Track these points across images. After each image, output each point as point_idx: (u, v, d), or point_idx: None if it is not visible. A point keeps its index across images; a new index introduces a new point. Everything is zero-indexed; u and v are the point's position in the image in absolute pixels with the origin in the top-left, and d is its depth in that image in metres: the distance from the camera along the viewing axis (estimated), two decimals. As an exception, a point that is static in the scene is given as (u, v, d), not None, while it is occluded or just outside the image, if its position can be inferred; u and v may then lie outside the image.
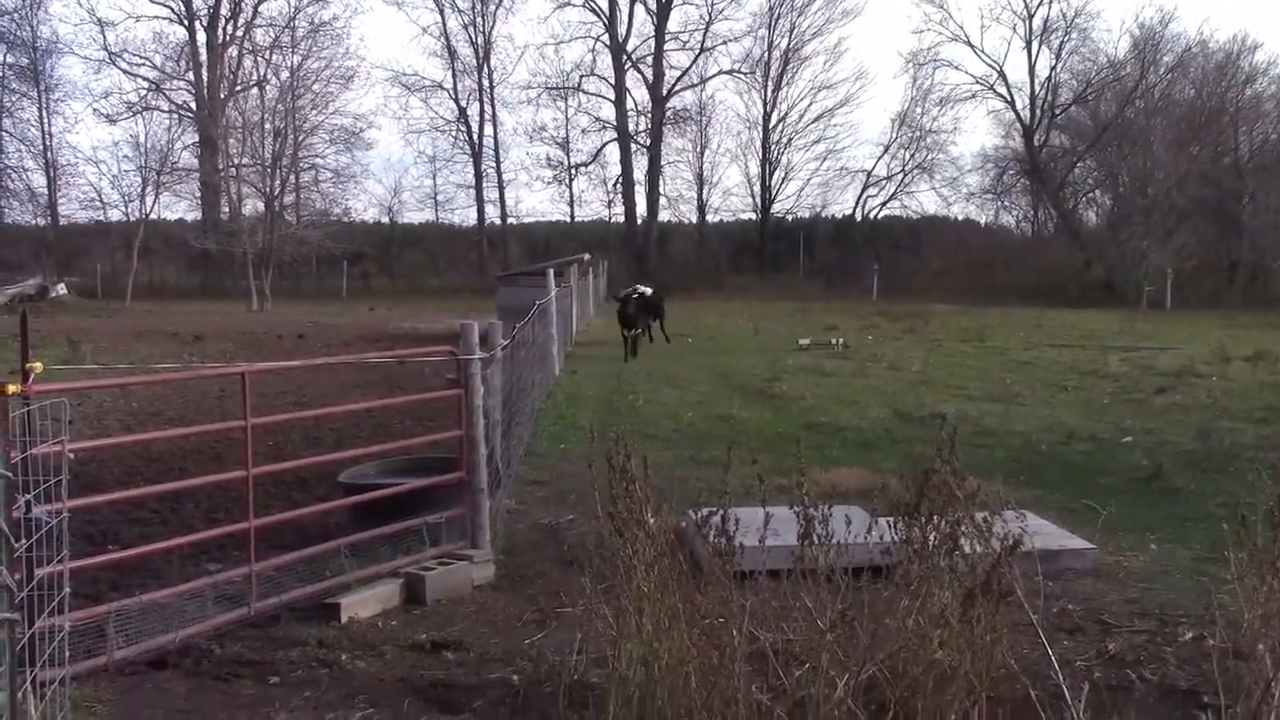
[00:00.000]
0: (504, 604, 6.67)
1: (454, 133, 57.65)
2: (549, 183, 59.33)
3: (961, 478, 5.18)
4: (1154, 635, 6.04)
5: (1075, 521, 8.53)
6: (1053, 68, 52.60)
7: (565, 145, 57.53)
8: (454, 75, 56.91)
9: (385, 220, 58.94)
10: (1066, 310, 34.74)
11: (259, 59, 53.37)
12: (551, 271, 20.10)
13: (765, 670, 4.59)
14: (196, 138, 50.92)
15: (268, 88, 52.05)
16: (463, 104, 57.07)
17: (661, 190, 56.58)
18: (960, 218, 58.55)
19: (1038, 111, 52.34)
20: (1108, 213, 51.21)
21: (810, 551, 4.60)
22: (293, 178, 50.90)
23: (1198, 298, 37.71)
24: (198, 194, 51.65)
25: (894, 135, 56.01)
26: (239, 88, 53.06)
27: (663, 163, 56.27)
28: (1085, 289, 40.96)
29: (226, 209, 49.95)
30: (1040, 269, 45.85)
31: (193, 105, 52.38)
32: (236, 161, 49.29)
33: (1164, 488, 9.85)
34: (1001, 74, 52.78)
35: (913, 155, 55.73)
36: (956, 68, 54.30)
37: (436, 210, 59.97)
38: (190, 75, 53.22)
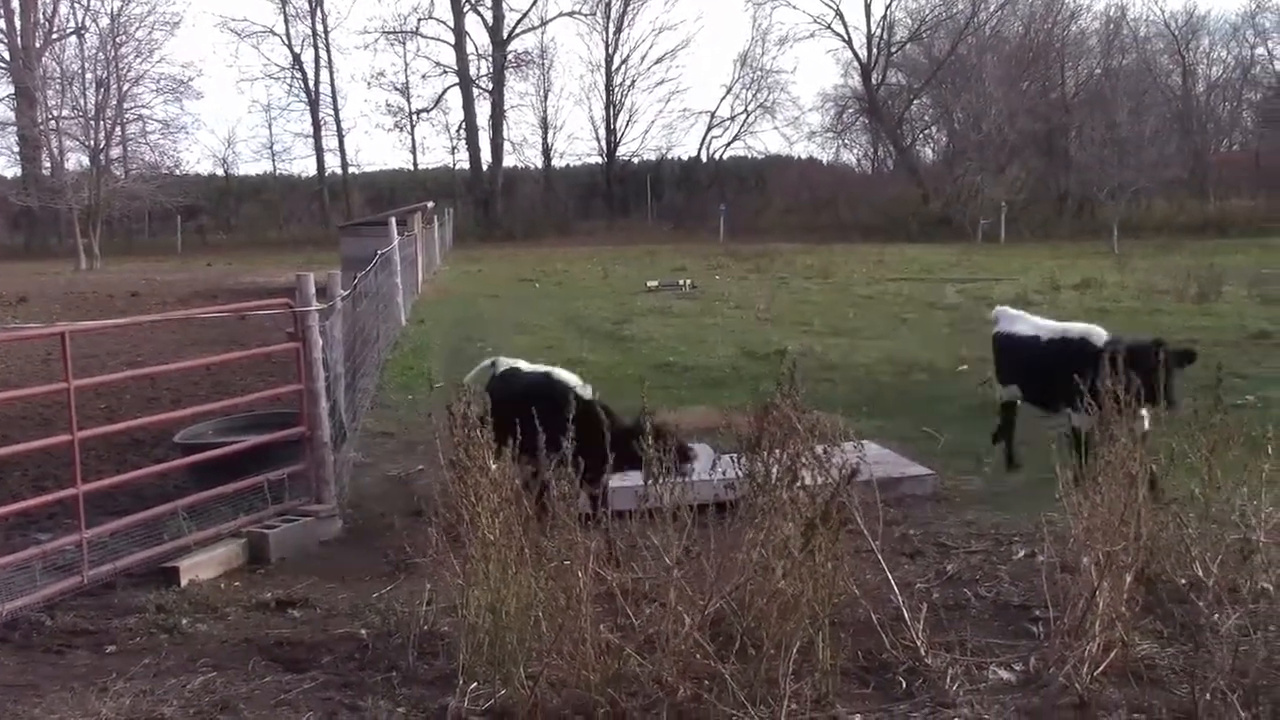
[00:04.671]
0: (351, 558, 6.57)
1: (289, 80, 56.05)
2: (390, 130, 58.25)
3: (802, 411, 5.27)
4: (989, 555, 6.27)
5: (915, 449, 8.80)
6: (888, 6, 53.66)
7: (405, 91, 56.45)
8: (286, 20, 55.23)
9: (220, 172, 57.10)
10: (906, 245, 35.58)
11: (76, 5, 50.62)
12: (394, 220, 19.71)
13: (615, 610, 4.61)
14: (11, 89, 48.25)
15: (87, 35, 49.46)
16: (296, 50, 55.44)
17: (506, 135, 55.92)
18: (803, 157, 59.46)
19: (874, 50, 53.20)
20: (944, 148, 52.48)
21: (655, 491, 4.62)
22: (119, 130, 48.79)
23: (1029, 229, 38.96)
24: (15, 149, 49.05)
25: (736, 76, 56.43)
26: (55, 35, 50.33)
27: (506, 107, 55.57)
28: (924, 223, 41.94)
29: (48, 164, 47.51)
30: (881, 205, 46.75)
31: (5, 55, 49.59)
32: (56, 114, 46.94)
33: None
34: (839, 13, 53.53)
35: (755, 95, 56.25)
36: (795, 7, 54.94)
37: (274, 161, 58.40)
38: (1, 23, 50.29)
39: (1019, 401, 8.32)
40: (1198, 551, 5.01)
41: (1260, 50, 49.66)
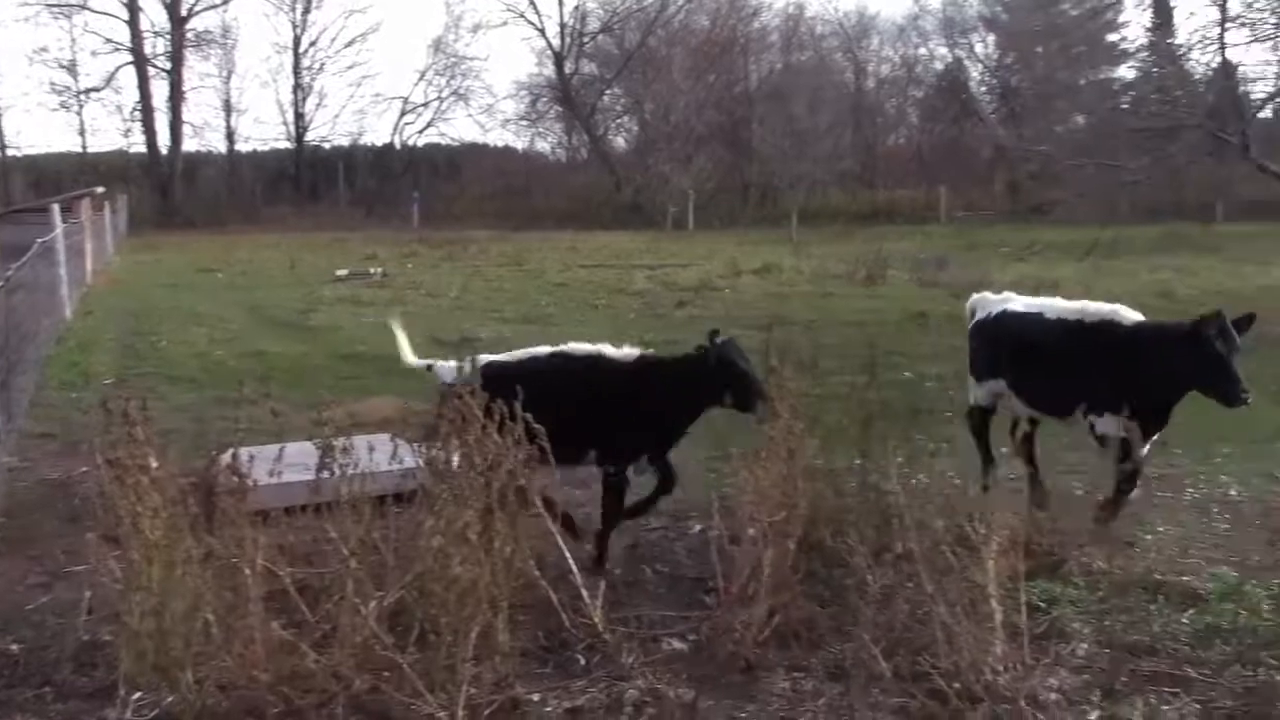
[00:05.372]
0: (3, 569, 6.10)
1: (-65, 53, 51.20)
2: (55, 110, 54.06)
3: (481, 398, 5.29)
4: (667, 531, 6.50)
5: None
6: (580, -3, 54.13)
7: (72, 69, 52.50)
8: (-70, -12, 50.35)
9: None
10: (600, 232, 36.18)
11: None
12: (58, 207, 18.37)
13: (290, 607, 4.50)
14: None
15: None
16: (-56, 21, 50.68)
17: (185, 118, 53.07)
18: (498, 144, 59.40)
19: (567, 40, 53.73)
20: (635, 138, 53.66)
21: (329, 483, 4.54)
22: None
23: (716, 217, 40.41)
24: None
25: (429, 62, 55.73)
26: None
27: (186, 88, 52.69)
28: (616, 211, 42.79)
29: None
30: (574, 193, 47.36)
31: None
32: None
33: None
34: (532, 1, 53.74)
35: (449, 82, 55.72)
36: (489, -6, 54.64)
37: (-81, 141, 53.14)
38: None
39: (996, 404, 6.76)
40: (853, 518, 5.36)
41: (923, 50, 53.34)
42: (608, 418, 5.69)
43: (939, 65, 51.81)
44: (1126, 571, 5.36)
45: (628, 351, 5.99)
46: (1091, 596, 5.14)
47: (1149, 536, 5.99)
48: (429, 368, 6.57)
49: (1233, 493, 7.14)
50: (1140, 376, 5.66)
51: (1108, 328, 5.99)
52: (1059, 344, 6.11)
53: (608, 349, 5.99)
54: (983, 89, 49.61)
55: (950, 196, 39.30)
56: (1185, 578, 5.48)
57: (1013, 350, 6.47)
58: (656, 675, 4.43)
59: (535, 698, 4.31)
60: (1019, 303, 6.70)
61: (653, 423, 5.72)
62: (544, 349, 6.32)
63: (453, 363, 6.37)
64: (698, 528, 6.52)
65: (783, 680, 4.35)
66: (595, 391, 5.76)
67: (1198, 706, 4.16)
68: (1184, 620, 4.93)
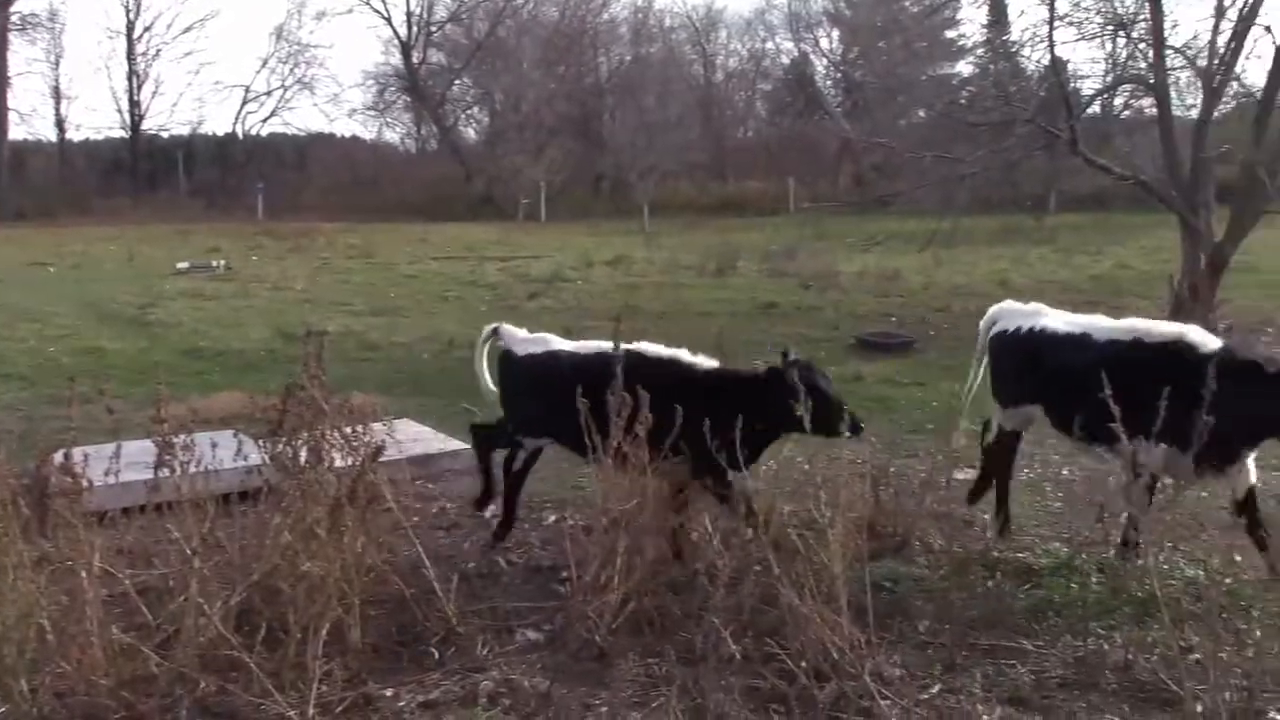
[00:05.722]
0: None
1: None
2: None
3: (329, 392, 5.23)
4: (522, 522, 6.47)
5: (454, 425, 8.89)
6: (427, -15, 53.42)
7: (-116, 52, 49.72)
8: None
9: None
10: (451, 224, 35.82)
11: None
12: None
13: (132, 609, 4.38)
14: None
15: None
16: None
17: (11, 104, 50.66)
18: (346, 135, 58.29)
19: (415, 28, 52.98)
20: (485, 129, 53.29)
21: (170, 482, 4.42)
22: None
23: (568, 209, 40.37)
24: None
25: (272, 49, 54.41)
26: None
27: (11, 74, 50.33)
28: (468, 203, 42.42)
29: None
30: (425, 184, 46.72)
31: None
32: None
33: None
34: (377, -11, 52.78)
35: (292, 70, 54.42)
36: (334, -19, 53.57)
37: None
38: None
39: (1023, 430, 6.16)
40: (703, 505, 5.45)
41: (770, 44, 54.28)
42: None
43: (785, 59, 52.79)
44: (966, 550, 5.56)
45: (704, 361, 5.61)
46: (933, 575, 5.32)
47: (986, 515, 6.21)
48: (494, 331, 6.48)
49: (1064, 472, 7.47)
50: (1210, 411, 4.54)
51: (1176, 351, 5.17)
52: (1115, 369, 4.89)
53: (684, 353, 5.61)
54: (828, 83, 50.68)
55: (798, 188, 40.00)
56: (1021, 554, 5.72)
57: (1053, 373, 5.65)
58: (511, 666, 4.43)
59: (389, 693, 4.27)
60: (1055, 319, 5.87)
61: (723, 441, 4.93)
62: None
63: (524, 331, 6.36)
64: (553, 518, 6.55)
65: (636, 666, 4.40)
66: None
67: (1032, 676, 4.34)
68: (1020, 594, 5.15)
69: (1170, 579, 4.89)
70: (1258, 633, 3.88)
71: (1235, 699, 3.69)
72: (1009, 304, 6.22)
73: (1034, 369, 5.76)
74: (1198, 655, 3.74)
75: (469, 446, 8.07)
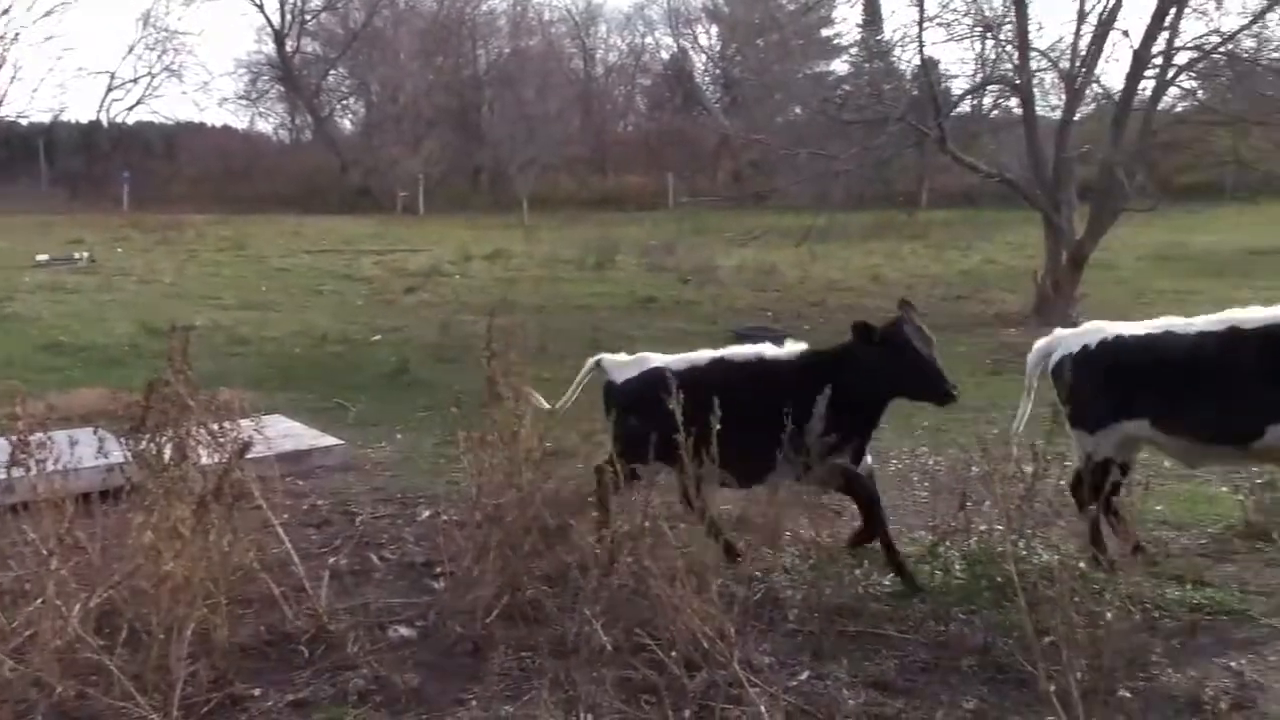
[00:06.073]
0: None
1: None
2: None
3: (195, 388, 5.11)
4: (396, 518, 6.45)
5: (327, 420, 8.81)
6: (301, -28, 52.37)
7: None
8: None
9: None
10: (326, 216, 35.18)
11: None
12: None
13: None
14: None
15: None
16: None
17: None
18: (217, 124, 56.83)
19: (288, 17, 51.90)
20: (362, 120, 52.48)
21: (24, 482, 4.28)
22: None
23: (447, 202, 39.98)
24: None
25: (139, 35, 52.78)
26: None
27: None
28: (344, 195, 41.73)
29: None
30: (299, 176, 45.80)
31: None
32: None
33: (410, 381, 10.50)
34: (248, -25, 51.63)
35: (160, 58, 52.86)
36: (202, -33, 52.20)
37: None
38: None
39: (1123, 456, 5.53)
40: (569, 497, 5.46)
41: (649, 39, 54.44)
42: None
43: (665, 55, 53.06)
44: (835, 540, 5.67)
45: (791, 348, 5.50)
46: (803, 564, 5.41)
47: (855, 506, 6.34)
48: (597, 364, 6.05)
49: (930, 462, 7.67)
50: None
51: None
52: (1227, 359, 4.92)
53: (768, 349, 5.52)
54: (707, 79, 51.11)
55: (677, 183, 40.24)
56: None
57: (1155, 378, 5.26)
58: (382, 663, 4.39)
59: (256, 692, 4.21)
60: (1126, 328, 5.49)
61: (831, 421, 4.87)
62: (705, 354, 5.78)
63: (624, 356, 6.00)
64: (427, 513, 6.51)
65: (509, 660, 4.40)
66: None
67: (896, 661, 4.46)
68: (885, 582, 5.28)
69: (1027, 564, 5.06)
70: (1109, 615, 4.02)
71: (1086, 678, 3.83)
72: (1061, 331, 5.79)
73: (1129, 380, 5.32)
74: (1052, 637, 3.87)
75: (341, 443, 8.01)
